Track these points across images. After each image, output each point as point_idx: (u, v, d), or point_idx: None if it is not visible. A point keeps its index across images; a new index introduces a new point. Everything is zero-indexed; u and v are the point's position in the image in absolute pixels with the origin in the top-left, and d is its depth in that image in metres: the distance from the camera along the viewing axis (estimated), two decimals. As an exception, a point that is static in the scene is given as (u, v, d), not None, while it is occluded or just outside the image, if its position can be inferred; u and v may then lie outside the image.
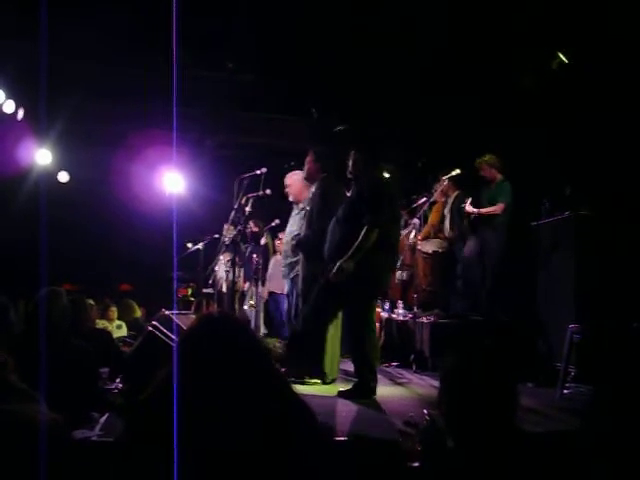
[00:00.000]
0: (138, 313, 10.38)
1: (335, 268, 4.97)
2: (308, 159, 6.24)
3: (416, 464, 2.33)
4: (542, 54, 7.30)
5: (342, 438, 3.77)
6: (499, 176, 7.59)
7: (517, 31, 6.92)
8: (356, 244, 4.93)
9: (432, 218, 8.43)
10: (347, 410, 4.66)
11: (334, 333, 5.92)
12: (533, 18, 6.68)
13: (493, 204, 7.46)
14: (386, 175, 5.94)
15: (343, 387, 5.28)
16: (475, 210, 7.46)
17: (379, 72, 8.12)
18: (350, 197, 5.35)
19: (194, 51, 6.90)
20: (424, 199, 8.48)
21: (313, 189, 6.16)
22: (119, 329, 9.18)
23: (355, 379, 5.19)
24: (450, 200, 8.15)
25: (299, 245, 6.08)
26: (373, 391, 5.11)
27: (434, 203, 8.42)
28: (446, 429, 2.18)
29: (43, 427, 1.87)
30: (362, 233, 4.93)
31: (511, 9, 6.68)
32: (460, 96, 8.11)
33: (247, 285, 8.27)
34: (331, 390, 5.36)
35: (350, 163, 5.39)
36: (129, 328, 9.42)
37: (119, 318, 9.54)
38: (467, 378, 2.14)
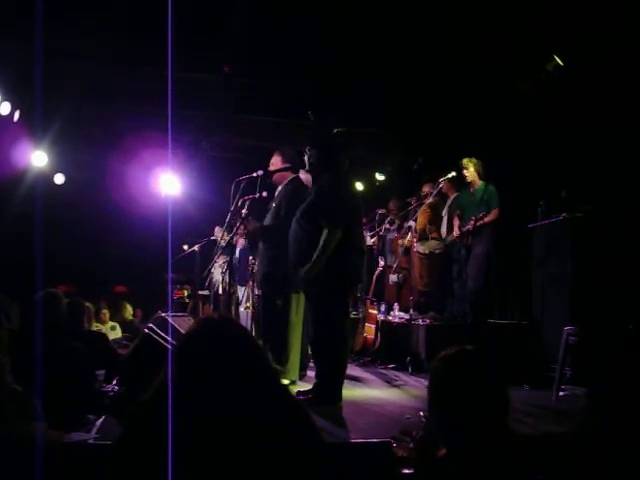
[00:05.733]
0: (131, 315, 10.40)
1: (301, 276, 4.90)
2: (275, 159, 6.23)
3: (409, 471, 2.33)
4: (538, 57, 7.31)
5: (336, 441, 3.78)
6: (479, 182, 7.57)
7: (514, 33, 6.92)
8: (318, 249, 4.82)
9: (420, 220, 8.44)
10: (342, 413, 4.67)
11: (296, 334, 5.96)
12: (530, 20, 6.70)
13: (476, 207, 7.39)
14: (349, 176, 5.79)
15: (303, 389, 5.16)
16: (481, 222, 7.27)
17: (376, 74, 8.13)
18: (309, 196, 5.22)
19: (190, 53, 6.88)
20: (417, 203, 8.53)
21: (280, 188, 6.16)
22: (113, 330, 9.19)
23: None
24: (449, 201, 8.17)
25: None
26: (339, 396, 4.98)
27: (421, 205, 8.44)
28: (437, 434, 2.18)
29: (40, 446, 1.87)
30: (323, 238, 4.83)
31: (508, 12, 6.69)
32: (456, 98, 8.12)
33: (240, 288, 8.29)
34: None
35: (307, 160, 5.32)
36: (123, 330, 9.43)
37: (114, 320, 9.55)
38: (451, 382, 2.14)
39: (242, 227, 6.17)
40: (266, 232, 6.07)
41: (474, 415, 2.05)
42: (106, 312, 9.44)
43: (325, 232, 4.84)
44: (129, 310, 10.33)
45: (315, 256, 4.82)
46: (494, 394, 2.12)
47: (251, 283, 7.21)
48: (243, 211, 5.90)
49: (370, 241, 9.18)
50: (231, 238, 6.21)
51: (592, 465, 2.04)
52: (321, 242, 4.83)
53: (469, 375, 2.13)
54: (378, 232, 9.36)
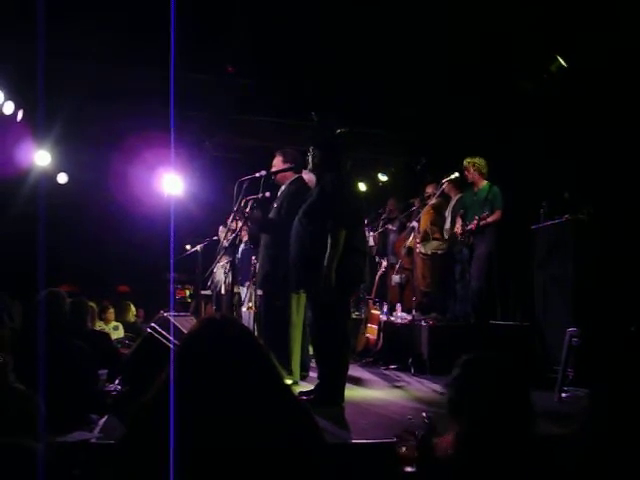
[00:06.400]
0: (134, 315, 10.40)
1: (320, 290, 4.81)
2: (276, 161, 6.24)
3: (412, 469, 2.33)
4: (541, 57, 7.31)
5: (338, 442, 3.78)
6: (483, 182, 7.57)
7: (517, 33, 6.92)
8: (328, 253, 4.78)
9: (424, 221, 8.43)
10: (344, 413, 4.66)
11: (297, 335, 5.98)
12: (533, 20, 6.69)
13: (479, 207, 7.39)
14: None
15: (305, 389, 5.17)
16: (484, 222, 7.26)
17: (378, 75, 8.13)
18: (312, 196, 5.19)
19: (192, 54, 6.90)
20: (420, 203, 8.54)
21: (283, 188, 6.17)
22: (116, 330, 9.19)
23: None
24: (452, 202, 8.16)
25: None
26: (341, 397, 4.95)
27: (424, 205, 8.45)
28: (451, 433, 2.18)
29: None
30: (329, 241, 4.79)
31: (511, 12, 6.69)
32: (459, 99, 8.12)
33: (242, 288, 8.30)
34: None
35: (310, 160, 5.30)
36: (126, 330, 9.43)
37: (116, 319, 9.55)
38: (485, 389, 2.14)
39: (245, 227, 6.20)
40: (267, 224, 6.08)
41: (500, 419, 2.06)
42: (112, 312, 9.44)
43: (331, 234, 4.82)
44: (133, 311, 10.33)
45: (326, 261, 4.78)
46: (520, 399, 2.13)
47: (253, 283, 7.22)
48: (246, 211, 5.91)
49: (371, 241, 9.18)
50: (234, 238, 6.21)
51: (593, 466, 2.04)
52: (329, 245, 4.80)
53: (506, 379, 2.14)
54: (380, 231, 9.38)
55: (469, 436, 2.11)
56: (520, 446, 2.05)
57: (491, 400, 2.09)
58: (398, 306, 8.33)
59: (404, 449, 2.40)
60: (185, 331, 4.38)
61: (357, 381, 6.35)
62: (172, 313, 5.50)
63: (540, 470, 2.05)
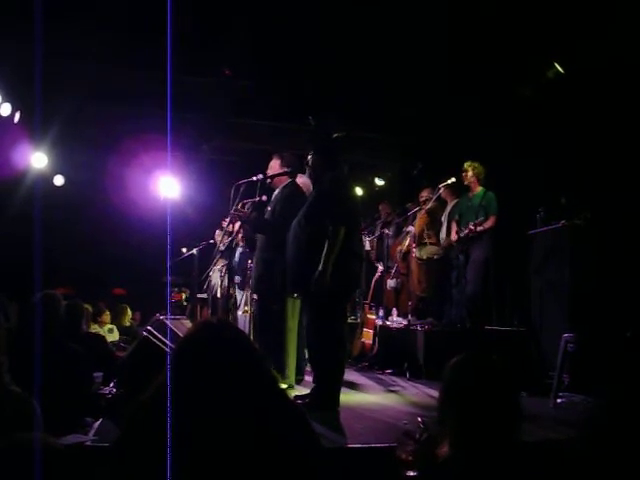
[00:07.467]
0: (130, 318, 10.37)
1: (314, 283, 4.79)
2: (273, 163, 6.24)
3: (413, 473, 2.31)
4: (539, 63, 7.33)
5: (334, 446, 3.77)
6: (478, 187, 7.58)
7: (515, 40, 6.94)
8: (325, 252, 4.77)
9: (418, 225, 8.43)
10: (339, 418, 4.66)
11: (292, 338, 5.96)
12: (531, 27, 6.71)
13: (474, 213, 7.38)
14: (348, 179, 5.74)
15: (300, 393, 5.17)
16: (480, 228, 7.26)
17: (376, 79, 8.15)
18: (310, 198, 5.24)
19: (190, 56, 6.91)
20: (416, 207, 8.55)
21: (277, 192, 6.17)
22: (110, 333, 9.16)
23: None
24: (448, 207, 8.16)
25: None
26: (337, 401, 4.95)
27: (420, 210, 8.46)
28: (447, 438, 2.16)
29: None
30: (328, 240, 4.78)
31: (510, 18, 6.71)
32: (457, 104, 8.14)
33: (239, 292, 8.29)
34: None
35: (309, 165, 5.32)
36: (121, 332, 9.42)
37: (112, 322, 9.53)
38: (471, 390, 2.12)
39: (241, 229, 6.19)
40: (262, 225, 6.06)
41: (488, 423, 2.04)
42: (108, 314, 9.42)
43: (330, 232, 4.79)
44: (129, 314, 10.30)
45: (323, 259, 4.77)
46: (508, 403, 2.11)
47: (249, 286, 7.22)
48: (242, 212, 5.91)
49: (368, 246, 9.18)
50: (231, 242, 6.21)
51: (592, 472, 2.03)
52: (327, 243, 4.79)
53: (489, 384, 2.12)
54: (376, 236, 9.39)
55: (456, 440, 2.10)
56: (507, 450, 2.03)
57: (474, 402, 2.07)
58: (394, 311, 8.32)
59: (403, 454, 2.38)
60: (181, 334, 4.37)
61: (352, 385, 6.34)
62: (168, 316, 5.49)
63: (530, 475, 2.04)
